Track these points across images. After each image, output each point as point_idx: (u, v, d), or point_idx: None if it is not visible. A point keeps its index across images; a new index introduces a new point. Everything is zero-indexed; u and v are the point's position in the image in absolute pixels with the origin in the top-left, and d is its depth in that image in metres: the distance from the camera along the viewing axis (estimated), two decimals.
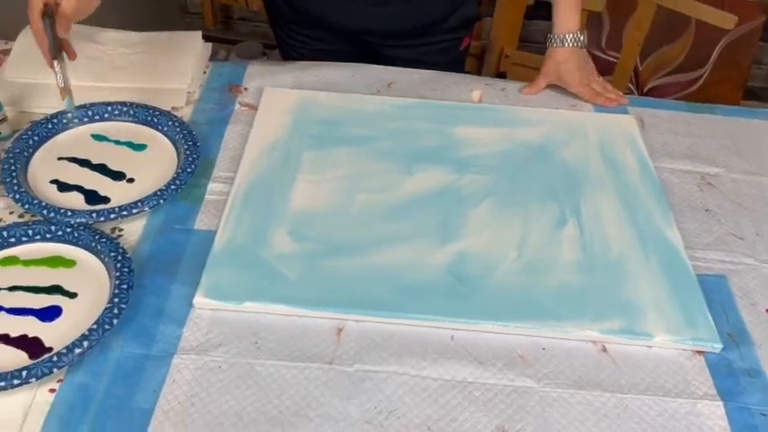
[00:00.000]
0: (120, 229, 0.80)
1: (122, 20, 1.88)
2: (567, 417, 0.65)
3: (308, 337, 0.71)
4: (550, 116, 1.02)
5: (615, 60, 1.81)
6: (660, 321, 0.73)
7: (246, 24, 2.45)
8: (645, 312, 0.74)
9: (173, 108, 0.98)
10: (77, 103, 0.93)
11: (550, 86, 1.08)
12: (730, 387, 0.69)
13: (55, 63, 0.84)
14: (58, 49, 0.84)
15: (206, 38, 1.12)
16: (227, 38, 2.37)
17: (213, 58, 1.13)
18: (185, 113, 0.98)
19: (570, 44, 1.03)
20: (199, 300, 0.72)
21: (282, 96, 1.02)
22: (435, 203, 0.86)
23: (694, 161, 0.97)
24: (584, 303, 0.74)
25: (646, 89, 2.07)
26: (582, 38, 1.04)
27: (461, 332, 0.72)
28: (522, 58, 1.99)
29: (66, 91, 0.87)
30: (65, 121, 0.92)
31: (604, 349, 0.72)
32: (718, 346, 0.72)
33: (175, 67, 1.03)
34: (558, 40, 1.03)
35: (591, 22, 1.86)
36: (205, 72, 1.07)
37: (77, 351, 0.65)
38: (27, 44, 1.04)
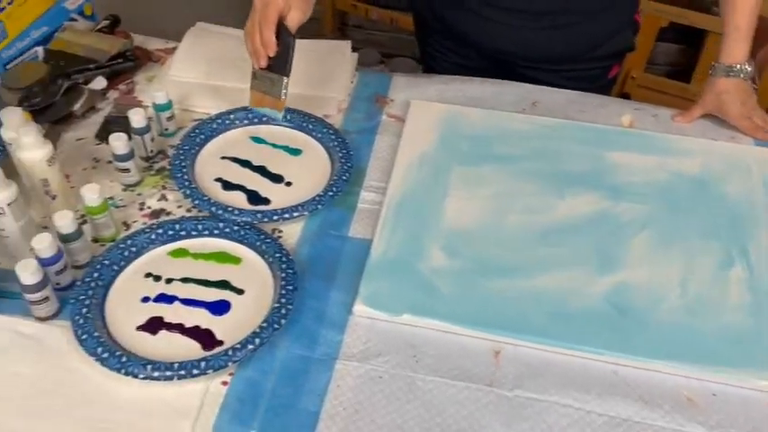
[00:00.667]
0: (280, 231, 0.83)
1: (239, 25, 1.96)
2: None
3: (467, 356, 0.70)
4: (708, 147, 0.97)
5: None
6: None
7: (362, 32, 2.49)
8: None
9: (325, 115, 1.00)
10: (236, 105, 0.97)
11: (707, 116, 1.04)
12: None
13: (285, 79, 0.86)
14: (290, 64, 0.85)
15: None
16: None
17: None
18: (336, 122, 1.00)
19: (735, 75, 0.98)
20: (358, 307, 0.73)
21: (429, 110, 1.02)
22: (591, 230, 0.84)
23: None
24: (757, 349, 0.70)
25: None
26: (749, 69, 0.99)
27: (624, 368, 0.70)
28: (648, 80, 1.93)
29: (283, 105, 0.89)
30: (227, 122, 0.96)
31: None
32: None
33: (328, 76, 1.06)
34: (722, 70, 0.99)
35: None
36: (353, 82, 1.09)
37: (250, 347, 0.67)
38: (192, 44, 1.09)
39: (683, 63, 2.12)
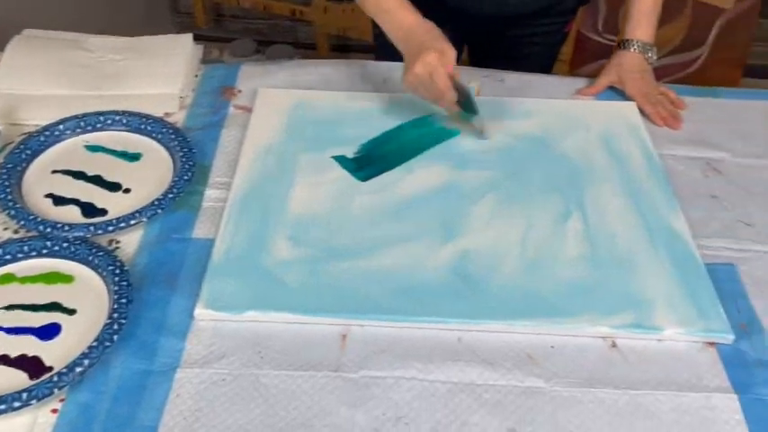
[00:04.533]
0: (118, 242, 0.79)
1: (113, 23, 1.86)
2: (579, 416, 0.64)
3: (313, 344, 0.69)
4: (549, 107, 1.00)
5: (612, 43, 1.79)
6: (670, 314, 0.72)
7: (239, 22, 2.43)
8: (654, 305, 0.72)
9: (166, 114, 0.97)
10: (73, 113, 0.92)
11: (548, 75, 1.07)
12: (744, 378, 0.68)
13: (477, 116, 0.92)
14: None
15: (198, 37, 1.11)
16: (219, 36, 2.35)
17: (206, 58, 1.11)
18: (179, 119, 0.97)
19: (636, 49, 1.02)
20: (199, 311, 0.71)
21: (277, 97, 1.00)
22: (436, 201, 0.84)
23: (698, 147, 0.96)
24: (592, 299, 0.73)
25: None
26: (651, 52, 1.03)
27: (469, 333, 0.71)
28: None
29: (485, 129, 0.93)
30: (57, 133, 0.90)
31: (614, 345, 0.70)
32: (730, 337, 0.71)
33: (166, 72, 1.02)
34: (626, 45, 1.03)
35: (588, 6, 1.83)
36: (197, 75, 1.06)
37: (78, 370, 0.64)
38: (16, 55, 1.02)
39: None
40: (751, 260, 0.79)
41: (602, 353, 0.70)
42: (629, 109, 1.00)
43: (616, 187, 0.86)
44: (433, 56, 0.84)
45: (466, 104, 0.91)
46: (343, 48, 2.34)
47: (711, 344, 0.71)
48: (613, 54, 1.05)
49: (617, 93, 1.04)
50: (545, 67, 1.21)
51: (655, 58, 1.03)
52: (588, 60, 1.91)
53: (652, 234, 0.80)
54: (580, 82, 1.07)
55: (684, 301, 0.73)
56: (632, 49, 1.02)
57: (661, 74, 2.01)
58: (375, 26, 1.16)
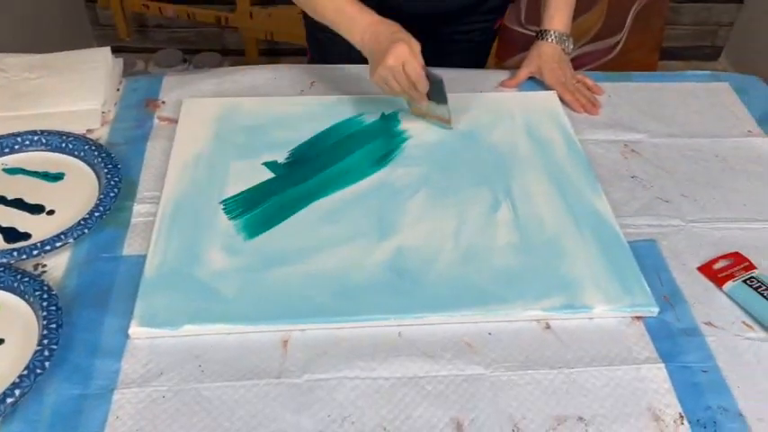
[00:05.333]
0: (44, 265, 0.77)
1: (31, 39, 1.79)
2: (518, 398, 0.66)
3: (253, 353, 0.69)
4: (475, 100, 1.02)
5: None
6: (598, 293, 0.75)
7: (163, 32, 2.37)
8: (583, 286, 0.75)
9: (88, 131, 0.94)
10: None
11: (477, 70, 1.09)
12: (670, 348, 0.71)
13: (446, 106, 0.93)
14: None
15: (122, 49, 1.08)
16: (144, 47, 2.30)
17: (131, 70, 1.09)
18: (101, 135, 0.94)
19: (553, 40, 1.05)
20: (134, 329, 0.70)
21: (202, 106, 0.99)
22: (370, 200, 0.85)
23: (616, 130, 1.00)
24: (524, 284, 0.75)
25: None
26: (567, 41, 1.06)
27: (408, 328, 0.72)
28: None
29: (451, 120, 0.95)
30: None
31: (548, 327, 0.73)
32: (654, 310, 0.74)
33: (86, 87, 0.99)
34: (543, 35, 1.06)
35: None
36: (119, 89, 1.03)
37: (9, 401, 0.61)
38: None
39: None
40: (670, 235, 0.84)
41: (537, 335, 0.72)
42: (549, 98, 1.03)
43: (541, 175, 0.89)
44: (404, 47, 0.85)
45: (435, 94, 0.91)
46: (272, 52, 2.32)
47: (638, 318, 0.74)
48: (533, 45, 1.08)
49: (538, 83, 1.07)
50: (479, 64, 1.24)
51: (571, 47, 1.07)
52: (513, 52, 1.96)
53: (577, 217, 0.83)
54: (503, 75, 1.10)
55: (611, 279, 0.76)
56: (549, 40, 1.06)
57: (582, 62, 2.10)
58: (310, 28, 1.16)
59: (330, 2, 0.92)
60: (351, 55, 0.95)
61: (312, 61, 1.21)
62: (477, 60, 1.23)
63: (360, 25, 0.90)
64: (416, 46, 0.87)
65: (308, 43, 1.23)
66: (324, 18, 0.94)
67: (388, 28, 0.88)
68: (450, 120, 0.95)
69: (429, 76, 0.89)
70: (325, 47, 1.12)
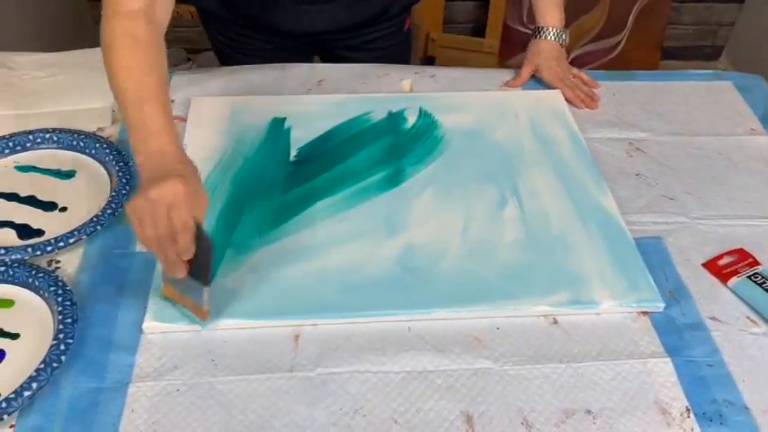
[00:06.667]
0: (58, 262, 0.78)
1: (34, 39, 1.80)
2: (527, 392, 0.67)
3: (266, 347, 0.70)
4: (480, 99, 1.03)
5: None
6: (605, 288, 0.76)
7: (168, 31, 2.38)
8: (590, 281, 0.76)
9: (98, 129, 0.95)
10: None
11: (477, 69, 1.10)
12: (676, 342, 0.72)
13: (206, 289, 0.68)
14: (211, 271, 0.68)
15: None
16: None
17: None
18: (112, 133, 0.95)
19: (551, 37, 1.06)
20: (148, 324, 0.71)
21: (211, 105, 1.00)
22: (378, 198, 0.86)
23: (621, 128, 1.01)
24: (531, 280, 0.76)
25: (568, 60, 2.12)
26: (564, 36, 1.07)
27: (418, 323, 0.73)
28: (449, 40, 2.01)
29: (207, 314, 0.70)
30: None
31: (555, 322, 0.74)
32: (660, 305, 0.75)
33: (96, 86, 0.99)
34: (539, 33, 1.07)
35: None
36: None
37: (27, 394, 0.62)
38: None
39: (482, 19, 2.23)
40: (675, 232, 0.85)
41: (545, 330, 0.73)
42: (554, 96, 1.04)
43: (547, 172, 0.90)
44: (179, 186, 0.63)
45: (196, 266, 0.66)
46: None
47: (644, 313, 0.75)
48: (530, 44, 1.09)
49: (539, 81, 1.08)
50: (403, 63, 1.19)
51: (567, 41, 1.08)
52: (515, 51, 1.96)
53: (583, 214, 0.84)
54: (507, 74, 1.11)
55: (617, 275, 0.77)
56: (547, 37, 1.07)
57: (583, 61, 2.11)
58: (213, 37, 1.17)
59: (136, 94, 0.69)
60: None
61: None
62: (397, 61, 1.15)
63: (156, 142, 0.67)
64: (203, 200, 0.67)
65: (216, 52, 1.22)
66: (121, 107, 0.71)
67: (179, 158, 0.68)
68: (207, 312, 0.69)
69: (198, 237, 0.64)
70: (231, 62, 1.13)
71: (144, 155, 0.67)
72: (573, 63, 1.11)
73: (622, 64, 2.03)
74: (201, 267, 0.66)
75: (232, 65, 1.13)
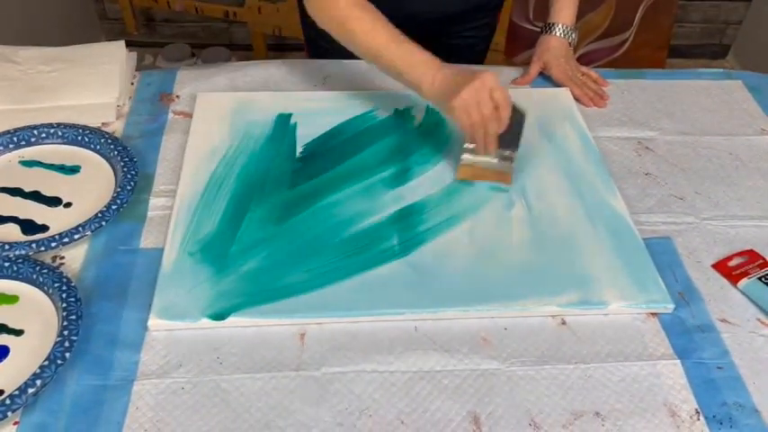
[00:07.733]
0: (62, 257, 0.77)
1: (39, 33, 1.80)
2: (535, 393, 0.67)
3: (271, 345, 0.70)
4: None
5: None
6: (613, 289, 0.75)
7: (171, 26, 2.37)
8: (598, 282, 0.76)
9: (103, 124, 0.94)
10: (4, 128, 0.89)
11: (484, 66, 1.09)
12: (685, 344, 0.72)
13: (515, 154, 0.85)
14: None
15: (130, 44, 1.08)
16: (152, 41, 2.30)
17: (139, 64, 1.09)
18: (117, 128, 0.95)
19: (561, 34, 1.05)
20: (153, 321, 0.70)
21: (217, 101, 0.99)
22: (384, 196, 0.85)
23: (630, 127, 1.00)
24: (539, 280, 0.76)
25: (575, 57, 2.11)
26: (573, 35, 1.06)
27: (425, 322, 0.72)
28: None
29: (510, 177, 0.87)
30: None
31: (564, 322, 0.73)
32: (670, 307, 0.74)
33: (101, 81, 0.99)
34: (550, 29, 1.06)
35: None
36: (133, 83, 1.04)
37: (31, 391, 0.62)
38: None
39: None
40: (684, 232, 0.84)
41: (553, 330, 0.72)
42: (563, 95, 1.03)
43: (555, 172, 0.89)
44: (492, 74, 0.80)
45: (507, 138, 0.83)
46: (279, 47, 2.32)
47: (653, 314, 0.74)
48: (539, 40, 1.08)
49: (547, 78, 1.07)
50: (480, 60, 1.24)
51: (576, 40, 1.08)
52: (522, 49, 1.96)
53: (592, 214, 0.83)
54: (513, 71, 1.10)
55: (626, 275, 0.76)
56: (556, 33, 1.06)
57: (590, 59, 2.10)
58: (311, 34, 1.15)
59: (397, 48, 0.85)
60: None
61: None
62: (478, 57, 1.23)
63: (431, 69, 0.84)
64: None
65: (307, 52, 1.23)
66: (390, 67, 0.87)
67: (460, 68, 0.84)
68: (510, 178, 0.85)
69: (513, 110, 0.81)
70: (326, 55, 1.11)
71: (430, 75, 0.83)
72: (579, 61, 1.10)
73: (629, 62, 2.01)
74: (511, 137, 0.83)
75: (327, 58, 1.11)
